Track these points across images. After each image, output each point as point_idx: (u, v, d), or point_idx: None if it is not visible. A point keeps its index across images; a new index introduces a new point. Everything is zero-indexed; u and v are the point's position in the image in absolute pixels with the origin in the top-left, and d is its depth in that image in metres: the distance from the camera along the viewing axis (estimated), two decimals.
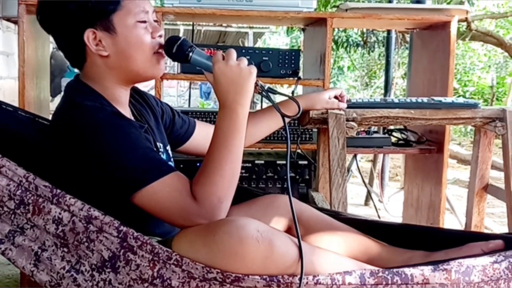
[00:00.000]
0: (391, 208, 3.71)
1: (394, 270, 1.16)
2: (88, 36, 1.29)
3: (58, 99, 3.89)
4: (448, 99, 1.90)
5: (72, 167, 1.25)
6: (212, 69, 1.29)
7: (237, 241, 1.10)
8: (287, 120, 1.35)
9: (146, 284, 1.14)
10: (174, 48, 1.33)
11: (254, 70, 1.28)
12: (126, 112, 1.39)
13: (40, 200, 1.19)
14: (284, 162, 2.37)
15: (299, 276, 1.12)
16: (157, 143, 1.45)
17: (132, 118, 1.42)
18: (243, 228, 1.11)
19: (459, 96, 9.56)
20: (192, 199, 1.20)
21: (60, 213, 1.18)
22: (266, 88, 1.33)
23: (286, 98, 1.46)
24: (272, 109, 1.35)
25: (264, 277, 1.11)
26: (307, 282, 1.13)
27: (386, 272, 1.16)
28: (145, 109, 1.50)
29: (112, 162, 1.20)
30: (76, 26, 1.29)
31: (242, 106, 1.26)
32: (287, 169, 1.24)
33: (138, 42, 1.32)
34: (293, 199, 1.26)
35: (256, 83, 1.30)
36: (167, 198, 1.20)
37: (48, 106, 2.58)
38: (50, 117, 1.54)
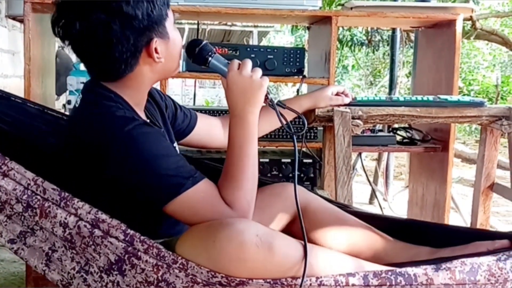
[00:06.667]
0: (396, 207, 3.71)
1: (398, 270, 1.17)
2: (152, 45, 1.26)
3: (63, 98, 3.90)
4: (454, 98, 1.90)
5: (91, 175, 1.26)
6: (226, 74, 1.33)
7: (237, 246, 1.11)
8: (290, 120, 1.37)
9: (152, 287, 1.16)
10: (196, 50, 1.39)
11: (265, 82, 1.32)
12: (143, 116, 1.38)
13: (46, 204, 1.20)
14: (289, 160, 2.37)
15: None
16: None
17: (147, 120, 1.41)
18: (242, 233, 1.12)
19: (464, 95, 9.54)
20: (225, 204, 1.23)
21: (66, 218, 1.19)
22: (276, 101, 1.37)
23: (291, 97, 1.47)
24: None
25: (268, 280, 1.13)
26: (310, 284, 1.14)
27: (389, 273, 1.17)
28: (153, 108, 1.50)
29: (147, 171, 1.20)
30: (141, 36, 1.24)
31: (251, 113, 1.31)
32: (294, 187, 1.26)
33: (179, 43, 1.36)
34: (301, 189, 1.28)
35: (266, 95, 1.34)
36: (202, 204, 1.22)
37: (53, 104, 2.59)
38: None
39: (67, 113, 1.80)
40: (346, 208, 1.63)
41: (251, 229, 1.14)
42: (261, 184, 1.48)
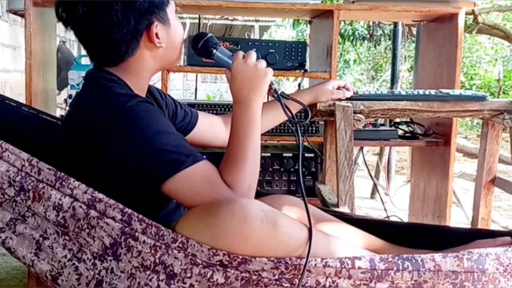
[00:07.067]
0: (397, 201, 3.71)
1: (404, 256, 1.16)
2: (153, 29, 1.29)
3: (64, 92, 3.89)
4: (456, 92, 1.89)
5: (92, 155, 1.25)
6: (231, 66, 1.34)
7: (240, 220, 1.10)
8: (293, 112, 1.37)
9: (148, 272, 1.14)
10: (201, 42, 1.41)
11: (270, 72, 1.33)
12: None
13: (40, 185, 1.19)
14: (290, 154, 2.37)
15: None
16: None
17: None
18: (246, 208, 1.11)
19: (466, 89, 9.52)
20: (226, 185, 1.22)
21: (60, 199, 1.17)
22: (279, 92, 1.38)
23: (292, 92, 1.47)
24: (276, 102, 1.38)
25: (272, 259, 1.11)
26: (315, 265, 1.12)
27: (396, 258, 1.16)
28: (153, 105, 1.50)
29: (148, 147, 1.21)
30: (142, 19, 1.27)
31: (255, 101, 1.32)
32: (300, 176, 1.25)
33: (181, 32, 1.38)
34: (297, 200, 1.30)
35: (270, 85, 1.35)
36: (202, 183, 1.22)
37: (54, 99, 2.59)
38: (56, 111, 1.54)
39: (67, 108, 1.79)
40: (345, 215, 1.63)
41: (255, 204, 1.13)
42: (257, 195, 1.49)
